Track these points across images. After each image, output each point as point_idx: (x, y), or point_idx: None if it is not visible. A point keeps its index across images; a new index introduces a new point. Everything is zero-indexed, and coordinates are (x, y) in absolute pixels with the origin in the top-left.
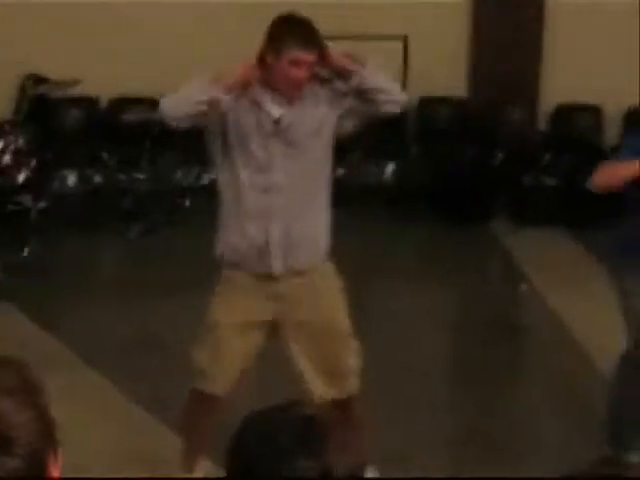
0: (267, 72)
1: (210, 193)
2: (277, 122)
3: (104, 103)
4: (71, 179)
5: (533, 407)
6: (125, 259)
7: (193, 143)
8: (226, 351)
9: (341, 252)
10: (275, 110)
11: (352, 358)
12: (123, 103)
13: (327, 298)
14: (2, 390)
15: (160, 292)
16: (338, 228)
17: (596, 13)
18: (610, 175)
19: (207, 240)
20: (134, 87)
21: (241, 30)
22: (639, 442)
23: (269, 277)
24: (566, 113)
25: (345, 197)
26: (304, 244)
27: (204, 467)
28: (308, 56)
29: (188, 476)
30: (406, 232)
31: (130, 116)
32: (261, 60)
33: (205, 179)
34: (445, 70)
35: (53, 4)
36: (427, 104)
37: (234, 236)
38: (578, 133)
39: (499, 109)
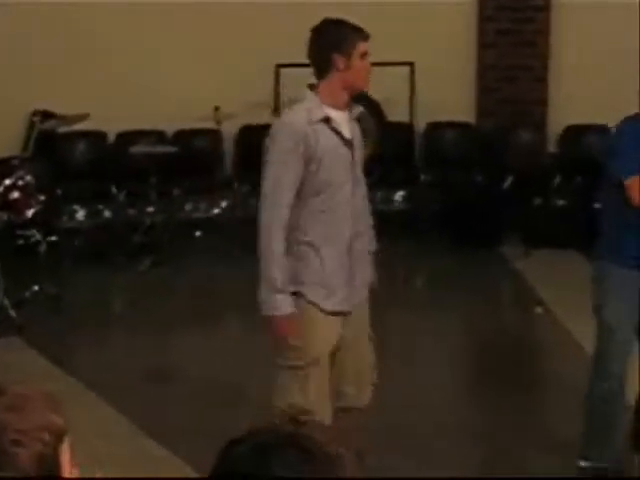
0: (337, 79)
1: (220, 224)
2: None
3: (112, 137)
4: (80, 214)
5: (552, 429)
6: (135, 293)
7: (202, 174)
8: (326, 382)
9: None
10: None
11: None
12: (131, 137)
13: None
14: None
15: (171, 325)
16: None
17: (601, 34)
18: None
19: (218, 271)
20: (141, 120)
21: (238, 71)
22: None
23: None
24: (575, 134)
25: None
26: None
27: None
28: (368, 45)
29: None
30: (418, 259)
31: (137, 149)
32: (324, 73)
33: (215, 210)
34: (452, 95)
35: (60, 42)
36: (435, 129)
37: None
38: (588, 154)
39: (507, 132)
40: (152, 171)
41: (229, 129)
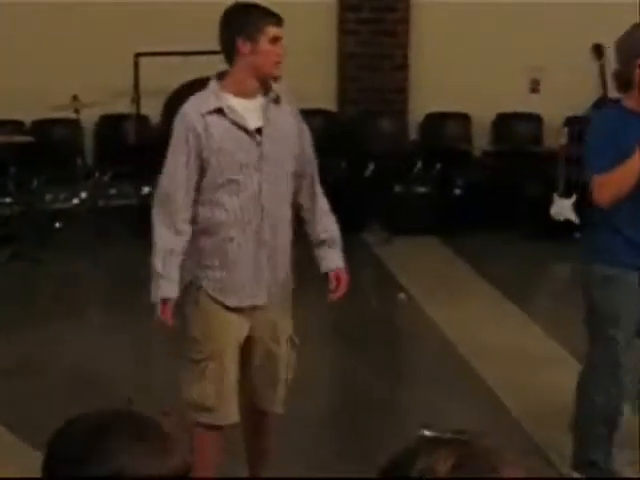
0: (243, 64)
1: (80, 215)
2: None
3: None
4: None
5: (416, 410)
6: None
7: (62, 164)
8: (230, 377)
9: None
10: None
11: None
12: None
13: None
14: None
15: (31, 318)
16: None
17: (460, 23)
18: (618, 185)
19: (79, 263)
20: None
21: (97, 59)
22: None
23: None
24: (435, 122)
25: None
26: None
27: None
28: (282, 31)
29: None
30: None
31: None
32: (232, 58)
33: (75, 201)
34: (313, 83)
35: None
36: None
37: None
38: (448, 141)
39: (369, 120)
40: (10, 162)
41: (88, 118)
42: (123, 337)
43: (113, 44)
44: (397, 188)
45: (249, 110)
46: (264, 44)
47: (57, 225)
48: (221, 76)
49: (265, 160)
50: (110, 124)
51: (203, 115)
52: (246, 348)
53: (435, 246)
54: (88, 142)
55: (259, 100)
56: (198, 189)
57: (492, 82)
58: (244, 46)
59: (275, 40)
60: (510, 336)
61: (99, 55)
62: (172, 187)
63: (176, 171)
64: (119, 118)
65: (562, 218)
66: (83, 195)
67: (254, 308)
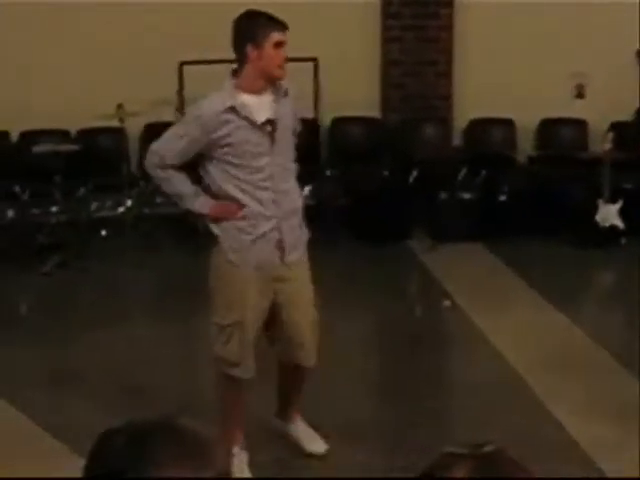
0: (251, 67)
1: (126, 223)
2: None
3: (15, 136)
4: None
5: (461, 418)
6: (40, 293)
7: (107, 173)
8: (251, 340)
9: None
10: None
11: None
12: (34, 136)
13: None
14: None
15: (76, 325)
16: None
17: (503, 29)
18: None
19: (124, 271)
20: (44, 119)
21: (141, 68)
22: None
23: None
24: (479, 128)
25: None
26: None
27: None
28: (286, 36)
29: None
30: (325, 254)
31: (40, 148)
32: (241, 61)
33: (121, 209)
34: (357, 91)
35: None
36: (341, 125)
37: None
38: (492, 147)
39: (413, 127)
40: (56, 170)
41: (133, 127)
42: (169, 345)
43: (157, 53)
44: (442, 194)
45: (260, 104)
46: (269, 49)
47: (103, 233)
48: (235, 73)
49: (276, 145)
50: (155, 132)
51: (219, 113)
52: (273, 313)
53: (480, 252)
54: (133, 150)
55: (269, 95)
56: (223, 169)
57: (536, 87)
58: (252, 52)
59: (279, 45)
60: (556, 343)
61: (144, 64)
62: (163, 150)
63: (172, 141)
64: (164, 126)
65: (608, 224)
66: (129, 203)
67: (274, 277)
